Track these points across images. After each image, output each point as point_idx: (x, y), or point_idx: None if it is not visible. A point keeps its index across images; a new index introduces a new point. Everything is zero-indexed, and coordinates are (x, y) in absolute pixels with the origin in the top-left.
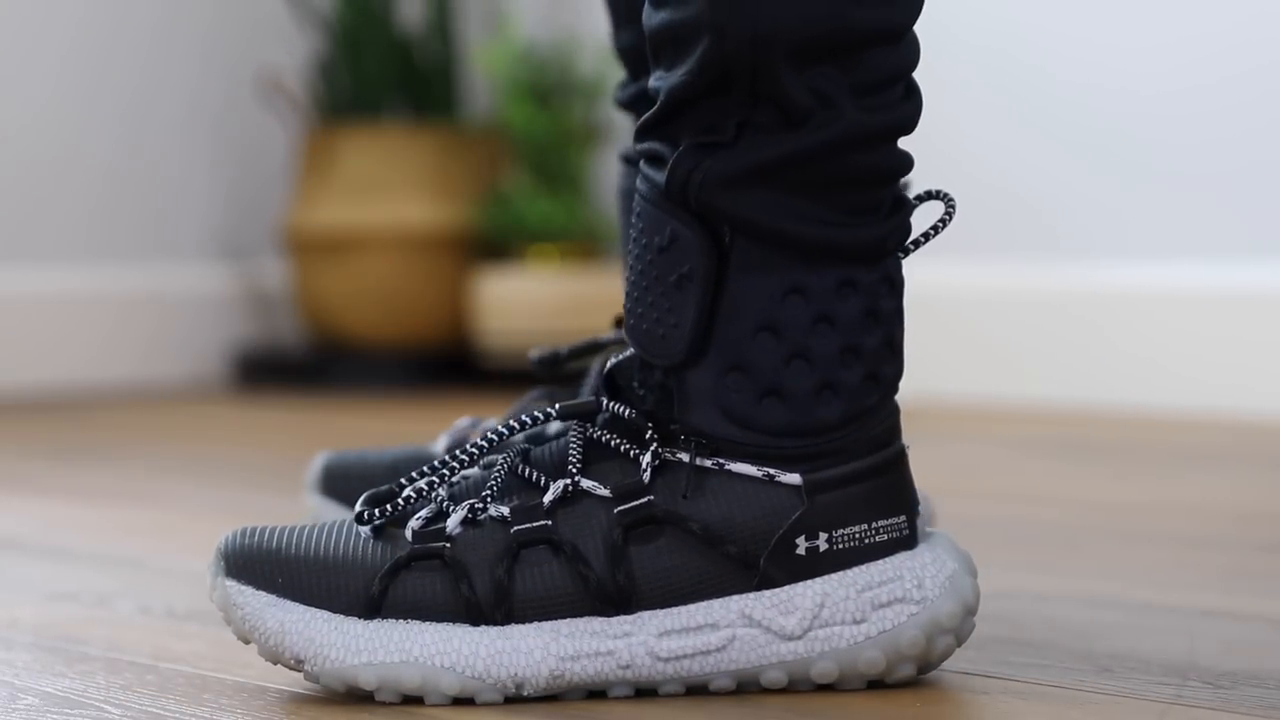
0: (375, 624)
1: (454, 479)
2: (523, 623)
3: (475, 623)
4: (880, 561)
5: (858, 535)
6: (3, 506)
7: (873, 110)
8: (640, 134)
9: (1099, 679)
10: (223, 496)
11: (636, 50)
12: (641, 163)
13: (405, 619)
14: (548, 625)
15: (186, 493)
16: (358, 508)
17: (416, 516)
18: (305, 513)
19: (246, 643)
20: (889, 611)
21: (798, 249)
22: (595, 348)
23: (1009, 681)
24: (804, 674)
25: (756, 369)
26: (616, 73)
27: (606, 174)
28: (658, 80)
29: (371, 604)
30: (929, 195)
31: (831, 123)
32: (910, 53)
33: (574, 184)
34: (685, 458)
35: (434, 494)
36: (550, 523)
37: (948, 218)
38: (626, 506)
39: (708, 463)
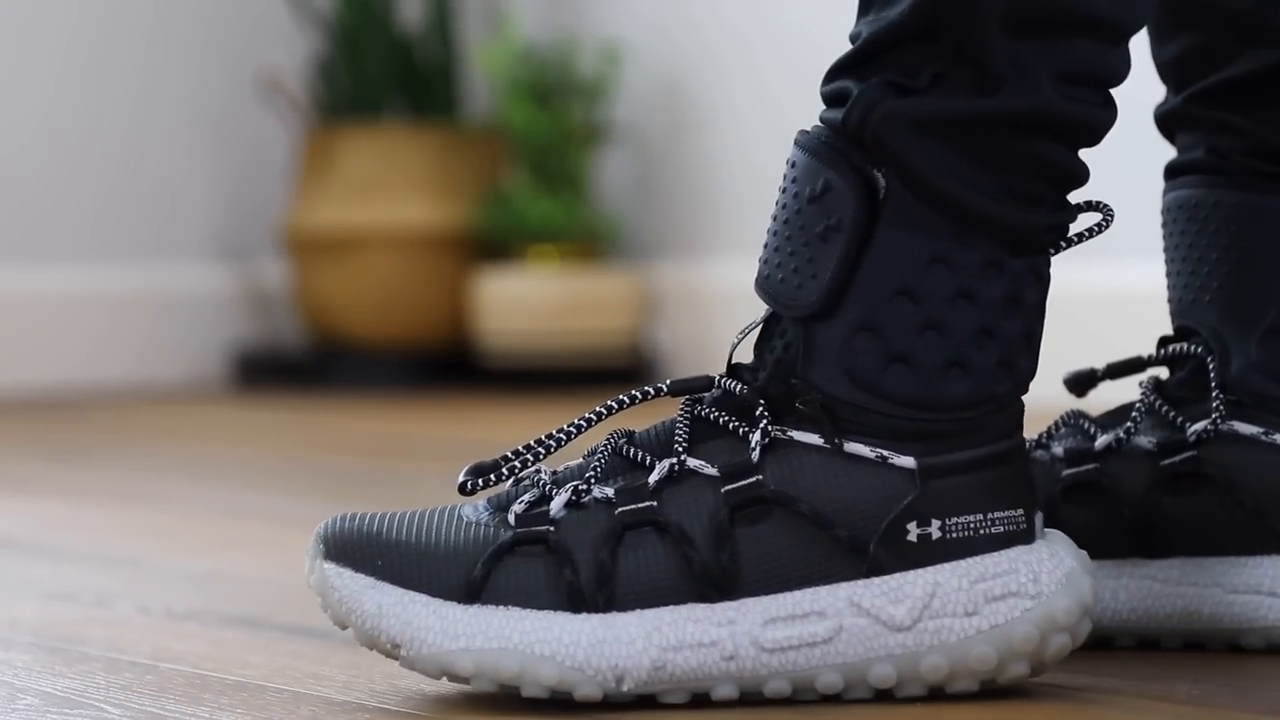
0: (474, 609)
1: (558, 467)
2: (624, 609)
3: (576, 608)
4: (995, 553)
5: (973, 525)
6: (2, 506)
7: (1068, 99)
8: (830, 75)
9: (1101, 679)
10: (222, 496)
11: (1179, 64)
12: (821, 112)
13: (506, 605)
14: (650, 613)
15: (186, 493)
16: (461, 478)
17: (519, 500)
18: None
19: (343, 627)
20: (1002, 605)
21: (955, 214)
22: (1137, 365)
23: (1008, 682)
24: (913, 669)
25: (888, 332)
26: (617, 73)
27: (607, 174)
28: (861, 26)
29: (472, 589)
30: (1089, 205)
31: (1025, 95)
32: (1121, 63)
33: (574, 184)
34: (798, 435)
35: (537, 476)
36: (655, 503)
37: (1105, 224)
38: (734, 486)
39: (820, 441)
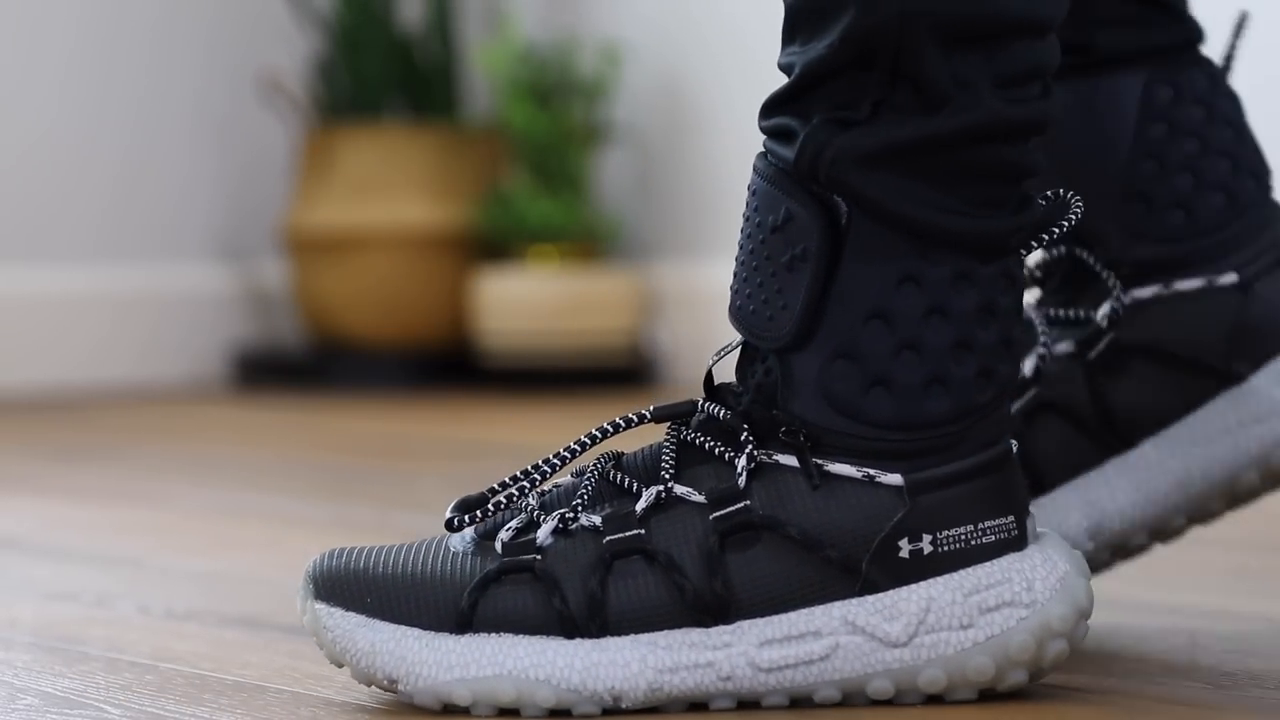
0: (467, 639)
1: (546, 488)
2: (618, 635)
3: (569, 636)
4: (987, 564)
5: (964, 537)
6: (2, 506)
7: (1011, 102)
8: (767, 110)
9: (1099, 680)
10: (223, 496)
11: None
12: (765, 140)
13: (498, 633)
14: (644, 637)
15: (186, 493)
16: (448, 514)
17: (506, 528)
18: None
19: (339, 665)
20: (997, 616)
21: (919, 235)
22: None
23: None
24: (911, 683)
25: (865, 357)
26: (617, 73)
27: (607, 174)
28: (790, 56)
29: (462, 619)
30: (1053, 196)
31: (970, 109)
32: (1052, 51)
33: (574, 184)
34: (783, 459)
35: (524, 501)
36: (643, 532)
37: (1074, 217)
38: (722, 512)
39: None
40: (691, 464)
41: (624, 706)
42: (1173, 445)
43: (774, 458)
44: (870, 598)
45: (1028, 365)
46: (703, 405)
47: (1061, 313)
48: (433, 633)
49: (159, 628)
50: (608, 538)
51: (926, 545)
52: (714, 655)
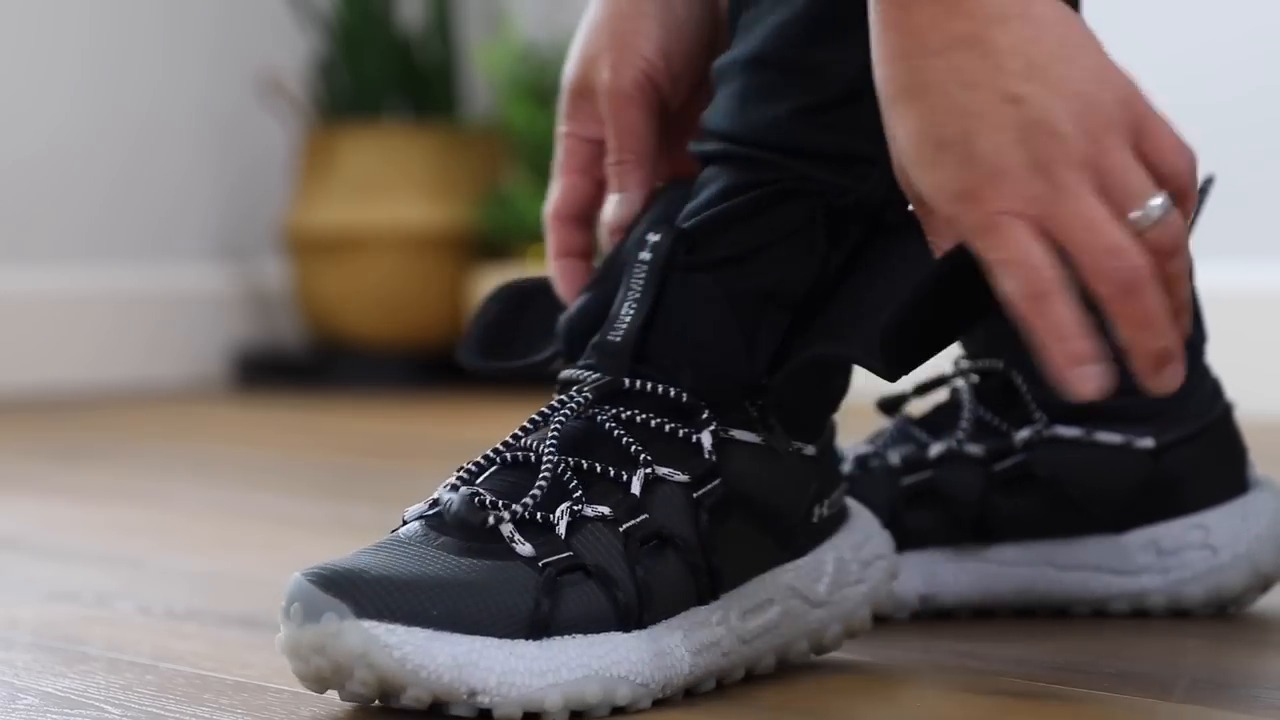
0: (545, 644)
1: (487, 488)
2: (654, 623)
3: (626, 628)
4: (851, 522)
5: (836, 501)
6: (3, 506)
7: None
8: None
9: (1096, 679)
10: (223, 496)
11: None
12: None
13: (571, 634)
14: (673, 622)
15: (186, 493)
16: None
17: (503, 523)
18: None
19: (398, 689)
20: (872, 569)
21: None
22: (943, 382)
23: (1008, 681)
24: (819, 642)
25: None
26: None
27: None
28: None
29: (539, 623)
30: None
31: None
32: None
33: None
34: (737, 434)
35: (478, 496)
36: (648, 516)
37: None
38: (704, 490)
39: (758, 440)
40: (646, 441)
41: (667, 695)
42: (1031, 555)
43: (730, 433)
44: (800, 561)
45: (934, 449)
46: (640, 384)
47: (988, 416)
48: (510, 640)
49: (159, 628)
50: (624, 525)
51: (826, 509)
52: (718, 631)
